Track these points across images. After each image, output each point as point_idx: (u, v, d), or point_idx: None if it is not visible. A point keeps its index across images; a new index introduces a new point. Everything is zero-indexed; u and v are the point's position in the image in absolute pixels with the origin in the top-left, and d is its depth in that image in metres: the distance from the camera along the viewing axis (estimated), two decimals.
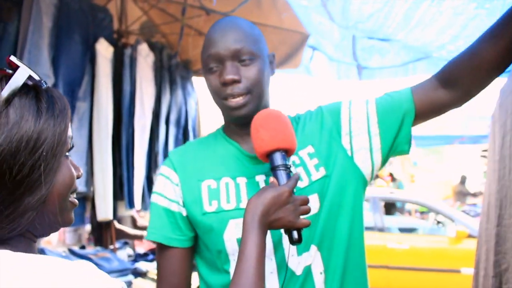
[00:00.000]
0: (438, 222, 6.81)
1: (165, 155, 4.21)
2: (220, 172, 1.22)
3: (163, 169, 1.28)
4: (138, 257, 3.82)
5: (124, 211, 3.71)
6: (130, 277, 3.26)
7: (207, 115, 4.97)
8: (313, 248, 1.17)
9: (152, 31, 4.19)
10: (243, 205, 1.17)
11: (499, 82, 1.79)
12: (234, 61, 1.14)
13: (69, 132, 0.72)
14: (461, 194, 11.36)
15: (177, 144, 4.42)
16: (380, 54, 1.89)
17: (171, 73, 4.21)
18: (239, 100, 1.14)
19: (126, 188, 3.57)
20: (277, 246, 1.17)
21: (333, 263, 1.18)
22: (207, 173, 1.23)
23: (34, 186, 0.64)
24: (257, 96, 1.16)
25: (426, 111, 1.19)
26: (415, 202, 7.03)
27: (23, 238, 0.68)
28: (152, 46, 3.92)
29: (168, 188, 1.24)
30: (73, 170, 0.73)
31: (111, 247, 3.70)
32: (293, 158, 1.21)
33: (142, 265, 3.57)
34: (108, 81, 3.37)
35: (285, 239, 1.16)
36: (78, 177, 0.76)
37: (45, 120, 0.66)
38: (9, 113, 0.63)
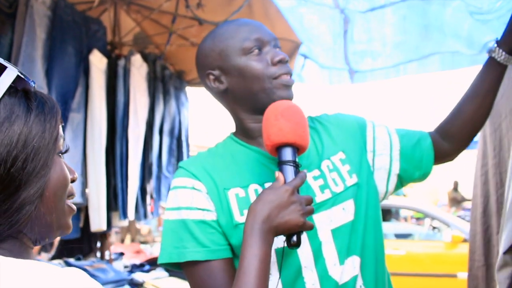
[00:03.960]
0: (434, 228, 6.82)
1: (159, 165, 4.21)
2: (246, 179, 1.12)
3: (183, 181, 1.13)
4: (134, 267, 3.80)
5: (118, 222, 3.70)
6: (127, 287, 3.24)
7: (198, 125, 4.97)
8: (356, 258, 1.12)
9: (146, 42, 4.21)
10: None
11: None
12: (275, 48, 1.16)
13: (61, 132, 0.73)
14: (455, 200, 11.39)
15: (170, 154, 4.42)
16: (372, 57, 1.91)
17: (164, 83, 4.23)
18: (291, 79, 1.13)
19: (120, 198, 3.56)
20: (317, 255, 1.09)
21: (369, 274, 1.15)
22: (231, 181, 1.12)
23: (30, 179, 0.65)
24: None
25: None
26: (411, 208, 7.04)
27: (18, 242, 0.67)
28: (145, 57, 3.95)
29: (198, 198, 1.10)
30: (67, 171, 0.72)
31: (107, 257, 3.68)
32: (326, 162, 1.16)
33: (138, 276, 3.55)
34: (102, 92, 3.38)
35: (325, 247, 1.09)
36: (73, 180, 0.75)
37: (35, 116, 0.67)
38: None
